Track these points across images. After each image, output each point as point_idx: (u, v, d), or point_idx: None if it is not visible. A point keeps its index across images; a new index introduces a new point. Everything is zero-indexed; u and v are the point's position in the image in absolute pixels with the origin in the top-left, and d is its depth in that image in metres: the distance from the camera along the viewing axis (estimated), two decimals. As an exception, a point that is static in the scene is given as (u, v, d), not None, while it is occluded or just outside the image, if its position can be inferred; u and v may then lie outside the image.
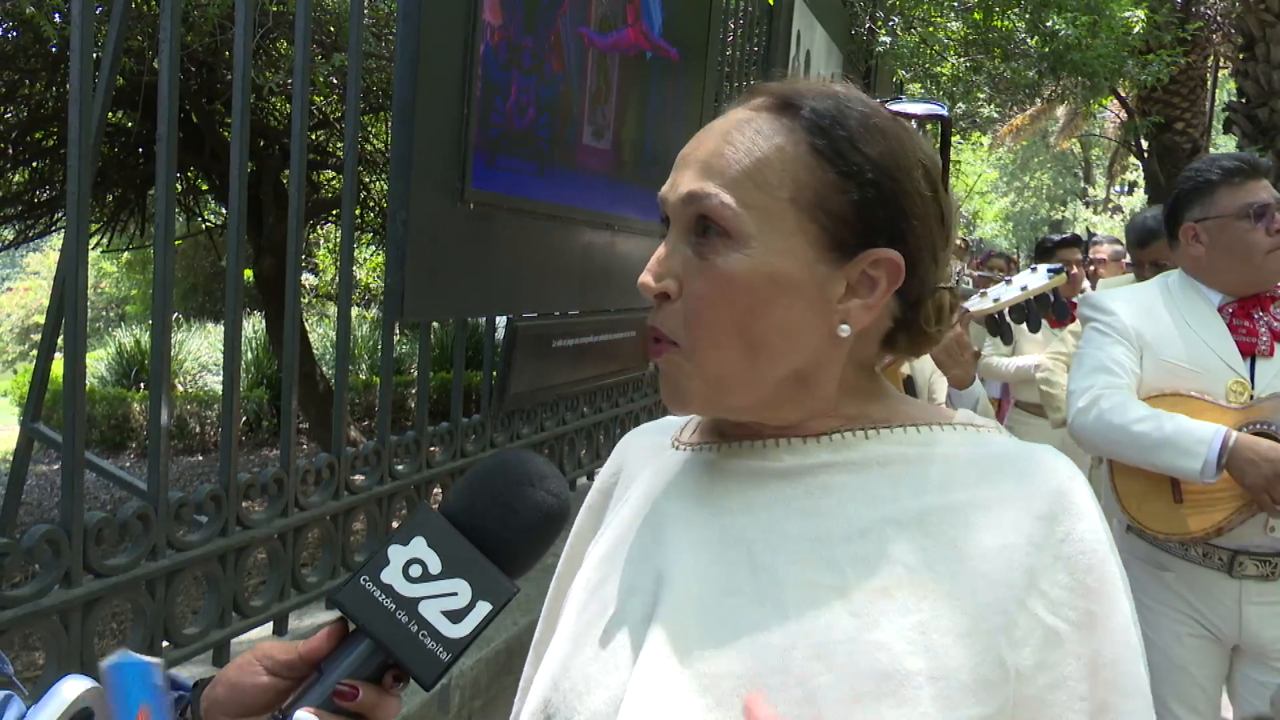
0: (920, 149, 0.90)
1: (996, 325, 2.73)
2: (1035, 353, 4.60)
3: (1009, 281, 2.74)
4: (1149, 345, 2.46)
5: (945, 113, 0.93)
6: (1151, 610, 2.51)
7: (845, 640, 0.80)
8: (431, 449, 3.01)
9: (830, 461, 0.89)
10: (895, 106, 0.92)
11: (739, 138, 0.87)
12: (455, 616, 0.79)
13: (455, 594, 0.79)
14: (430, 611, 0.78)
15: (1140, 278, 3.83)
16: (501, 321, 3.50)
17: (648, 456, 1.04)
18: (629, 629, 0.86)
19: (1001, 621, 0.80)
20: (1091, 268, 5.66)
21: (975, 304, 2.70)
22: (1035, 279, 2.69)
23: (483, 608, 0.79)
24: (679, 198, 0.88)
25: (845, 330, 0.87)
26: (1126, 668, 0.82)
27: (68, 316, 1.99)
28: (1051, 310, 2.75)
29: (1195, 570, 2.44)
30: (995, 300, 2.70)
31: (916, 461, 0.88)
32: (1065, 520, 0.84)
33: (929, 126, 0.98)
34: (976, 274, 5.89)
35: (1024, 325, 2.77)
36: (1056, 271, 2.69)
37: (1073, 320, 4.31)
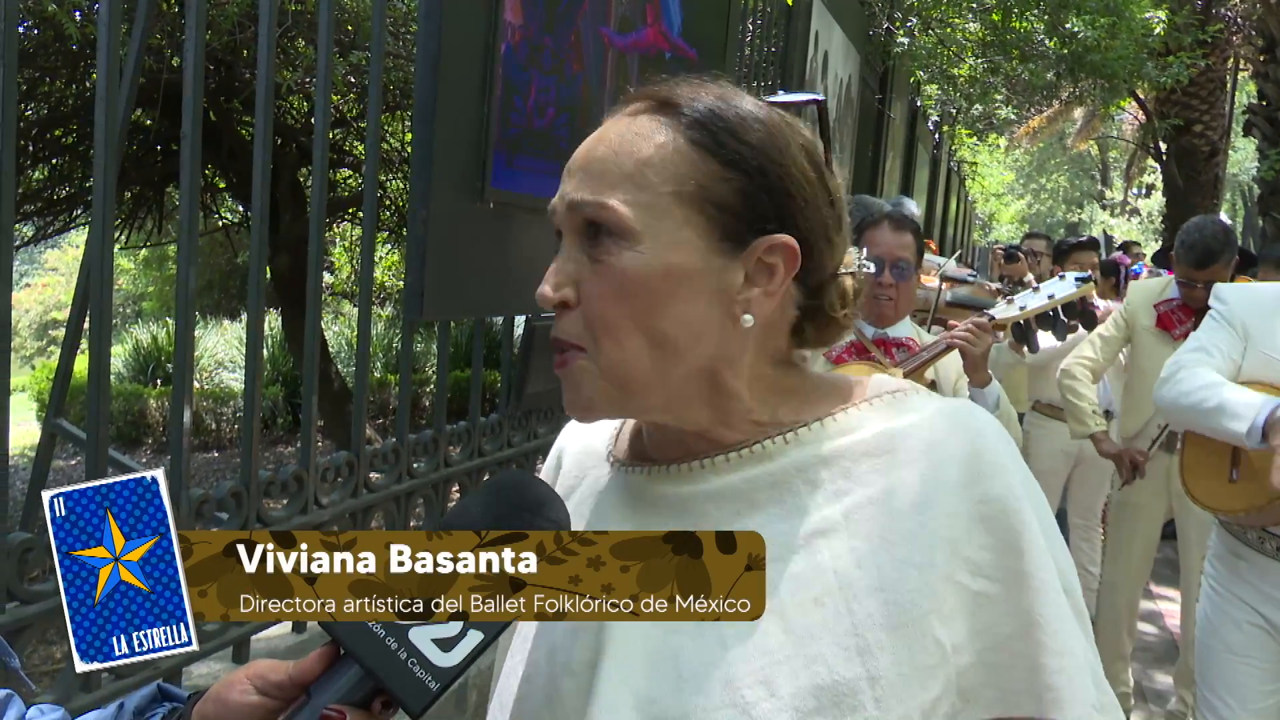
0: (800, 134, 0.91)
1: (1024, 333, 2.72)
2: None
3: (1037, 289, 2.72)
4: (1253, 337, 2.55)
5: (820, 98, 0.95)
6: (1220, 596, 2.64)
7: (783, 660, 0.81)
8: (449, 448, 3.02)
9: (751, 477, 0.89)
10: (773, 100, 0.94)
11: (616, 140, 0.88)
12: (446, 645, 0.77)
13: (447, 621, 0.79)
14: (420, 639, 0.77)
15: (1192, 298, 3.78)
16: (519, 320, 3.51)
17: (585, 463, 1.04)
18: (576, 673, 0.87)
19: (932, 603, 0.81)
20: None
21: (1003, 312, 2.69)
22: (1063, 287, 2.68)
23: (474, 637, 0.78)
24: (565, 206, 0.89)
25: (749, 320, 0.87)
26: (1056, 625, 0.83)
27: (93, 312, 2.00)
28: (1079, 318, 2.74)
29: (1268, 563, 2.53)
30: (1022, 308, 2.68)
31: (834, 460, 0.88)
32: (981, 482, 0.85)
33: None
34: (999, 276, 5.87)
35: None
36: (1085, 280, 2.68)
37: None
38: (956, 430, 0.87)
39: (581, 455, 1.05)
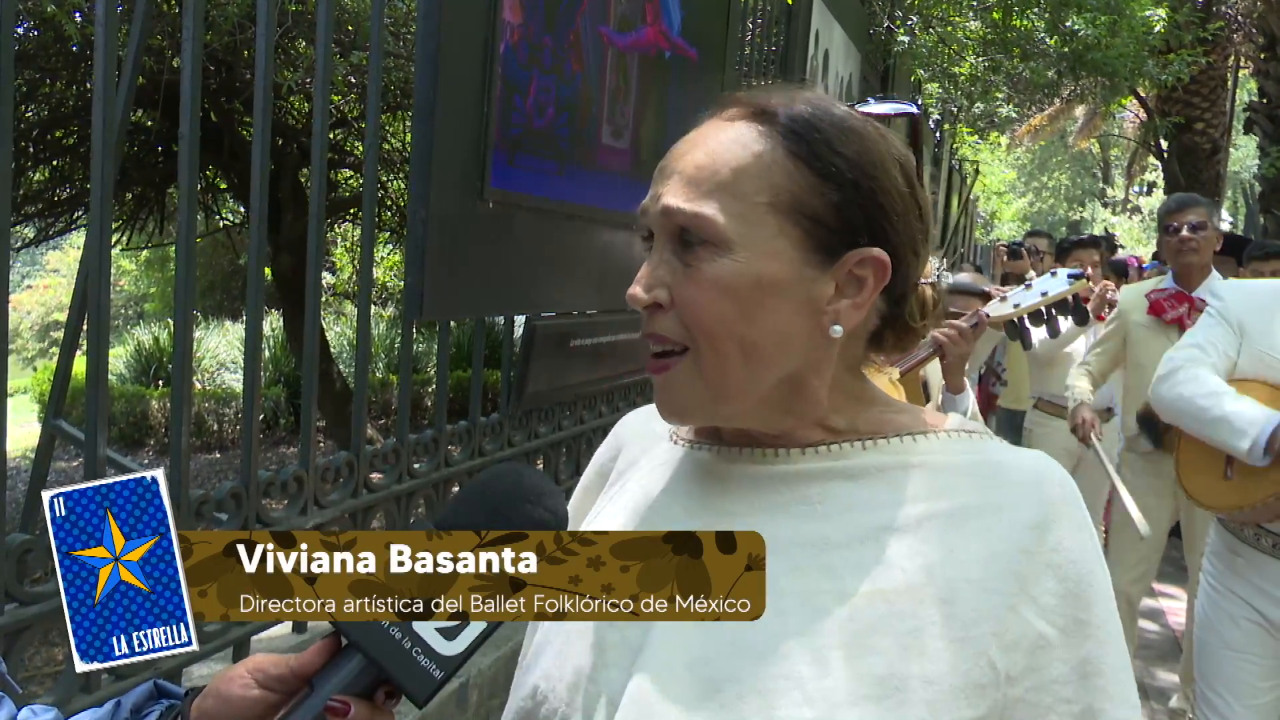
0: (894, 146, 0.91)
1: (1016, 330, 2.72)
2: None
3: (1029, 286, 2.73)
4: (1248, 334, 2.56)
5: (915, 110, 0.95)
6: (1218, 592, 2.64)
7: (842, 645, 0.81)
8: (450, 448, 3.02)
9: (829, 468, 0.90)
10: (865, 109, 0.94)
11: (714, 147, 0.88)
12: (449, 633, 0.77)
13: None
14: (424, 628, 0.77)
15: (1173, 245, 3.92)
16: (520, 320, 3.51)
17: (645, 443, 1.05)
18: (625, 628, 0.87)
19: (993, 626, 0.82)
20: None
21: (995, 309, 2.70)
22: (1055, 284, 2.69)
23: (477, 625, 0.77)
24: (658, 211, 0.89)
25: (838, 331, 0.88)
26: (1118, 675, 0.85)
27: (91, 313, 2.00)
28: (1072, 315, 2.74)
29: (1265, 560, 2.53)
30: (1015, 306, 2.69)
31: (912, 469, 0.89)
32: (1056, 530, 0.85)
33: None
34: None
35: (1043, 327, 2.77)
36: (1076, 277, 2.69)
37: (1100, 320, 4.29)
38: (1036, 477, 0.88)
39: (642, 437, 1.06)
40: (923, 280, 0.96)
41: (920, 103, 10.76)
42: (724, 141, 0.88)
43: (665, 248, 0.89)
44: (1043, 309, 2.72)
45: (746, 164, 0.86)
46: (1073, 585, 0.85)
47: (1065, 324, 2.79)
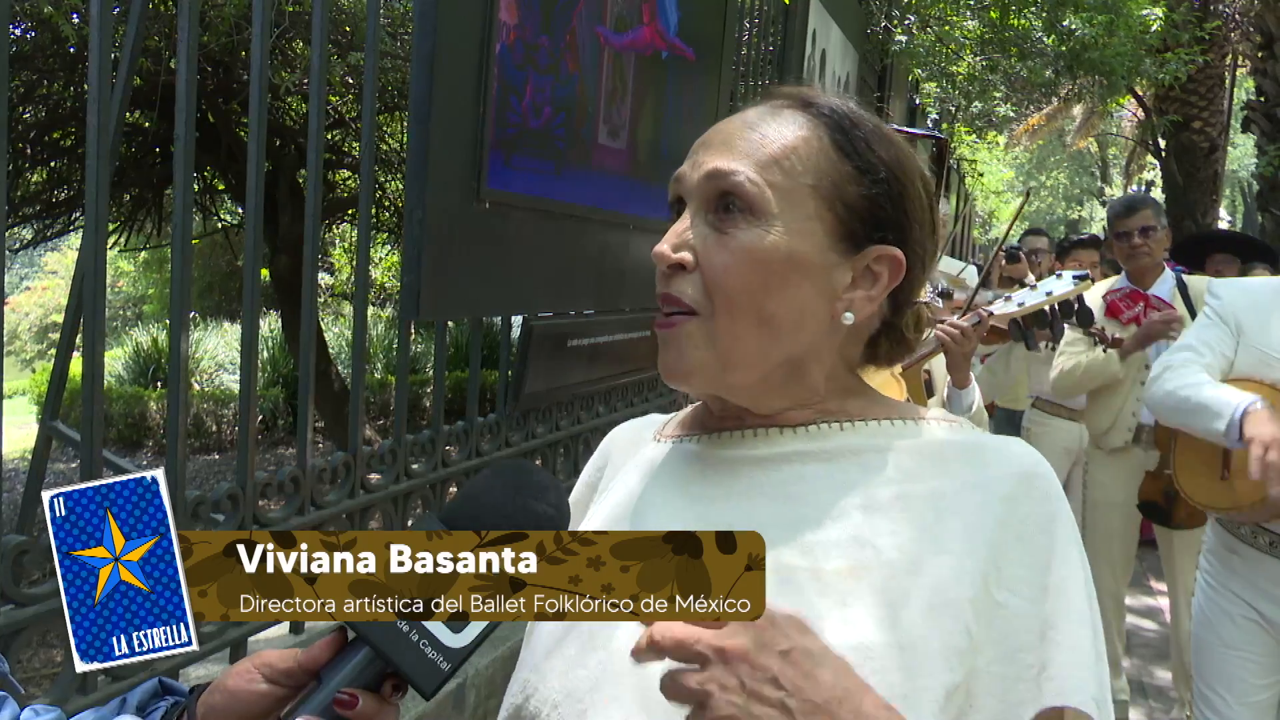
0: (919, 162, 0.98)
1: (1021, 330, 2.72)
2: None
3: (1034, 287, 2.74)
4: (1245, 333, 2.58)
5: (944, 137, 1.01)
6: (1215, 590, 2.66)
7: (816, 618, 0.83)
8: (447, 448, 3.01)
9: (805, 450, 0.94)
10: (895, 129, 0.99)
11: (764, 126, 0.93)
12: (456, 626, 0.78)
13: None
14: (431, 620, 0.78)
15: (1124, 253, 3.96)
16: (517, 320, 3.50)
17: (630, 450, 1.08)
18: None
19: (969, 594, 0.85)
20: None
21: (1000, 308, 2.70)
22: (1060, 285, 2.70)
23: None
24: (702, 174, 0.92)
25: (849, 318, 0.92)
26: (1071, 628, 0.87)
27: (86, 315, 1.99)
28: (1075, 316, 2.75)
29: (1261, 558, 2.55)
30: (1020, 305, 2.69)
31: (888, 451, 0.93)
32: (1026, 502, 0.89)
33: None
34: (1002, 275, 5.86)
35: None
36: (1081, 278, 2.70)
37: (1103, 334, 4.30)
38: (1009, 455, 0.93)
39: (629, 444, 1.10)
40: (917, 299, 1.01)
41: (919, 103, 10.77)
42: (775, 123, 0.93)
43: (698, 211, 0.92)
44: (1045, 310, 2.72)
45: (796, 145, 0.91)
46: (1040, 553, 0.88)
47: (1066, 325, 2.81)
